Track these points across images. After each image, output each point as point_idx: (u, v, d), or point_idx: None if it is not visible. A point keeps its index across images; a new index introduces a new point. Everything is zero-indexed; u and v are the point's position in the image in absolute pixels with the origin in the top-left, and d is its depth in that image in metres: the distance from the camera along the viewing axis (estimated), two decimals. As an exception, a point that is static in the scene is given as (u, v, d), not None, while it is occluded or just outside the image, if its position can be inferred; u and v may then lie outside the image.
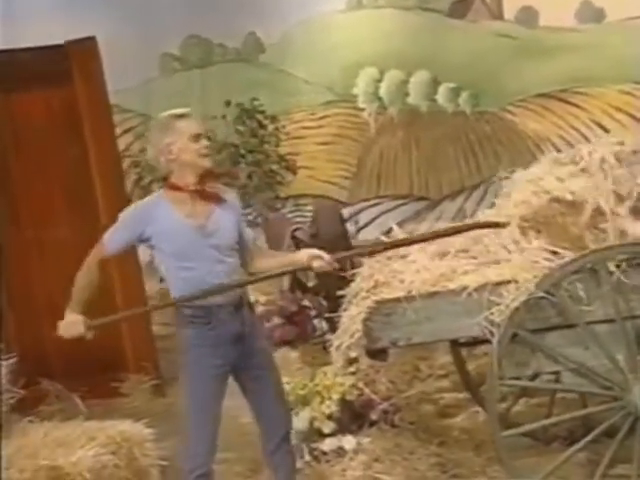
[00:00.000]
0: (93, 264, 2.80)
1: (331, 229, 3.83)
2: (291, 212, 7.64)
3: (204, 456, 2.70)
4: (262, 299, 6.59)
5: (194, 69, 8.21)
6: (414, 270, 3.07)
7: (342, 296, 3.27)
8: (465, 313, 2.77)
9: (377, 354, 2.95)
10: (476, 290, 2.76)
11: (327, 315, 3.93)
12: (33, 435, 3.37)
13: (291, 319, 5.80)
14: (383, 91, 7.82)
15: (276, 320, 5.82)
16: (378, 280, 3.12)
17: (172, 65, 8.25)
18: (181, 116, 2.71)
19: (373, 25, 7.77)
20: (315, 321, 4.45)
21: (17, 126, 4.93)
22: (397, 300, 2.85)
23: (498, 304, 2.73)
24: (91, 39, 4.83)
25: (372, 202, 7.75)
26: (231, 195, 2.79)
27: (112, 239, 2.78)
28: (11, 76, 4.78)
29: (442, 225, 6.87)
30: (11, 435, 3.40)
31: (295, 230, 4.61)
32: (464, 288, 2.78)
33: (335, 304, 3.71)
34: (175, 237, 2.64)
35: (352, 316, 2.98)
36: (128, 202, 5.36)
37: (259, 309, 6.33)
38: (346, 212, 7.81)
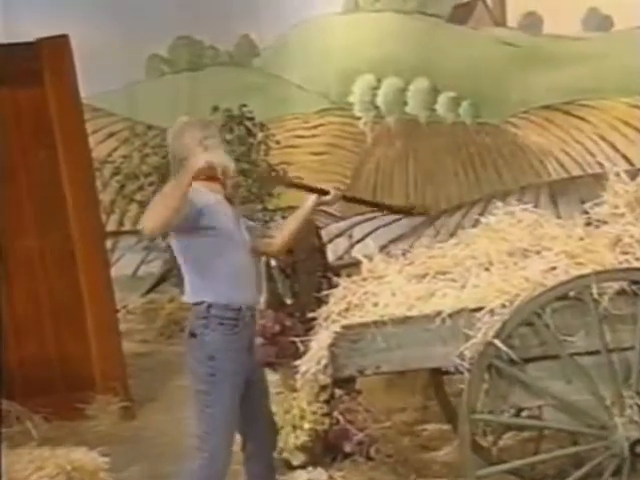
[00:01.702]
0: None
1: (306, 244, 3.74)
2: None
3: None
4: (243, 317, 6.53)
5: (183, 72, 8.21)
6: (389, 292, 3.00)
7: (314, 318, 3.20)
8: (439, 341, 2.69)
9: (344, 383, 2.86)
10: (451, 316, 2.68)
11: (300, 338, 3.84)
12: (-22, 463, 3.29)
13: (273, 339, 5.72)
14: (380, 99, 7.79)
15: (256, 340, 5.74)
16: (351, 302, 3.05)
17: (160, 67, 8.24)
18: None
19: (371, 29, 7.75)
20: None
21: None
22: (366, 325, 2.77)
23: (473, 332, 2.64)
24: (63, 37, 4.79)
25: (367, 216, 7.68)
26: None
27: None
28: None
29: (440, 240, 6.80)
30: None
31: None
32: (438, 313, 2.70)
33: (308, 326, 3.65)
34: (223, 216, 2.76)
35: (320, 341, 2.90)
36: (99, 211, 5.41)
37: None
38: (339, 226, 7.77)
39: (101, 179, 7.15)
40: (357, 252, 6.96)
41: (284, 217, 7.61)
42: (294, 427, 3.55)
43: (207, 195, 2.75)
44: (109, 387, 4.90)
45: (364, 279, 3.23)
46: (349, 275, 3.41)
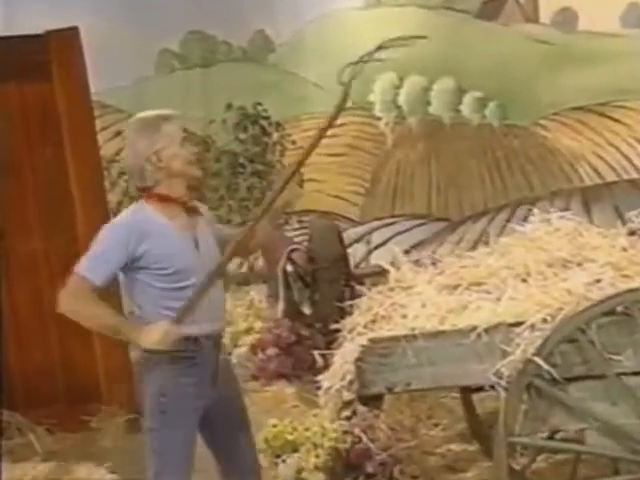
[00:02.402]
0: (89, 299, 2.53)
1: (329, 251, 3.68)
2: (294, 230, 7.50)
3: None
4: (257, 326, 6.47)
5: (195, 68, 8.15)
6: (419, 304, 2.93)
7: (338, 330, 3.14)
8: (474, 357, 2.61)
9: (371, 400, 2.79)
10: (487, 331, 2.60)
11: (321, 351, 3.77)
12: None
13: (288, 350, 5.66)
14: (402, 99, 7.69)
15: (271, 351, 5.68)
16: (377, 314, 2.99)
17: (171, 63, 8.19)
18: (169, 118, 2.63)
19: (393, 25, 7.65)
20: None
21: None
22: (395, 339, 2.70)
23: (511, 348, 2.56)
24: (73, 29, 4.76)
25: (386, 221, 7.60)
26: (204, 208, 2.74)
27: (96, 268, 2.54)
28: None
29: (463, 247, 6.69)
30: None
31: (292, 251, 4.47)
32: (473, 328, 2.63)
33: (330, 338, 3.59)
34: (178, 254, 2.56)
35: (345, 354, 2.84)
36: (108, 212, 5.36)
37: (252, 338, 6.23)
38: (357, 231, 7.70)
39: (109, 179, 7.10)
40: (376, 259, 6.89)
41: (300, 221, 7.59)
42: (314, 445, 3.48)
43: (166, 233, 2.55)
44: (115, 398, 4.84)
45: (391, 289, 3.17)
46: (374, 284, 3.35)
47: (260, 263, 7.71)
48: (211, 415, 2.66)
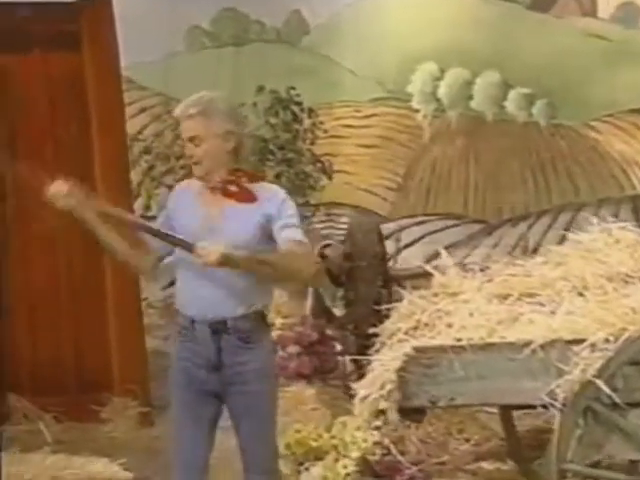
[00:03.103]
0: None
1: (368, 249, 3.60)
2: (321, 222, 7.42)
3: None
4: (278, 322, 6.40)
5: (226, 47, 8.07)
6: (466, 313, 2.85)
7: (375, 334, 3.07)
8: (526, 374, 2.53)
9: (411, 413, 2.71)
10: (543, 347, 2.51)
11: (353, 356, 3.69)
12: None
13: (310, 349, 5.58)
14: (443, 91, 7.55)
15: (292, 349, 5.60)
16: (420, 321, 2.91)
17: (201, 40, 8.11)
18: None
19: (438, 12, 7.52)
20: (340, 358, 4.21)
21: (12, 95, 4.80)
22: (441, 349, 2.62)
23: (568, 367, 2.47)
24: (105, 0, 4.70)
25: (418, 219, 7.48)
26: (268, 194, 2.77)
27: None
28: (9, 34, 4.66)
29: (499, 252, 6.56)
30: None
31: (325, 246, 4.38)
32: (527, 343, 2.54)
33: (365, 343, 3.50)
34: (186, 224, 2.76)
35: (384, 362, 2.76)
36: (130, 192, 5.31)
37: (273, 334, 6.15)
38: (386, 228, 7.58)
39: (130, 157, 7.06)
40: (405, 258, 6.79)
41: (327, 214, 7.51)
42: (339, 454, 3.41)
43: (187, 200, 2.80)
44: (128, 389, 4.79)
45: (435, 294, 3.09)
46: (415, 287, 3.27)
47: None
48: (229, 405, 2.78)
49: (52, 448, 3.80)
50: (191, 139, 2.74)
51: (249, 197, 2.73)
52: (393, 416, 2.73)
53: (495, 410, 3.75)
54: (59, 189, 2.83)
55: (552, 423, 3.63)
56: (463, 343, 2.62)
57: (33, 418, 4.66)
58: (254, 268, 2.65)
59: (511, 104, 7.40)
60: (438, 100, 7.51)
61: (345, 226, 7.43)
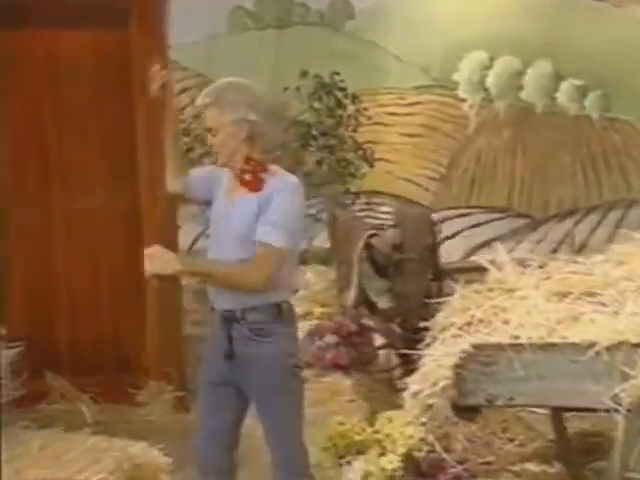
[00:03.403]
0: None
1: (419, 241, 3.55)
2: (361, 211, 7.37)
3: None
4: (316, 311, 6.37)
5: (268, 29, 8.02)
6: (523, 310, 2.79)
7: (425, 328, 3.02)
8: (589, 376, 2.47)
9: (464, 411, 2.66)
10: (608, 349, 2.45)
11: (401, 349, 3.65)
12: (27, 445, 3.21)
13: (348, 340, 5.55)
14: (491, 81, 7.46)
15: (329, 339, 5.57)
16: (474, 316, 2.85)
17: (243, 21, 8.08)
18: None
19: (488, -1, 7.42)
20: (382, 352, 4.17)
21: (56, 70, 4.80)
22: (500, 347, 2.57)
23: (634, 371, 2.41)
24: (159, -23, 4.66)
25: (460, 211, 7.41)
26: (274, 183, 2.70)
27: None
28: (57, 10, 4.65)
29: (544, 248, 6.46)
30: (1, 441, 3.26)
31: (371, 236, 4.34)
32: (592, 344, 2.48)
33: (414, 336, 3.46)
34: (213, 211, 2.85)
35: (437, 358, 2.71)
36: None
37: (310, 323, 6.13)
38: (426, 219, 7.53)
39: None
40: (446, 251, 6.71)
41: (368, 203, 7.45)
42: (383, 449, 3.38)
43: (221, 182, 2.85)
44: (164, 373, 4.79)
45: (490, 289, 3.03)
46: (469, 282, 3.21)
47: (317, 242, 7.60)
48: (249, 398, 2.82)
49: (90, 429, 3.79)
50: (209, 129, 2.76)
51: (258, 187, 2.71)
52: (446, 413, 2.68)
53: (540, 411, 3.69)
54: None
55: (599, 426, 3.58)
56: (523, 342, 2.57)
57: (71, 398, 4.69)
58: (196, 278, 2.78)
59: (563, 95, 7.28)
60: (486, 90, 7.41)
61: (384, 215, 7.41)
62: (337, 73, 7.32)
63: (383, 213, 7.42)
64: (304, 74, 7.23)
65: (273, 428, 2.78)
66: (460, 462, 3.40)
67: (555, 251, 6.17)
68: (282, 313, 2.73)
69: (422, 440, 3.36)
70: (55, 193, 4.86)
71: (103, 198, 4.85)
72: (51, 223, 4.85)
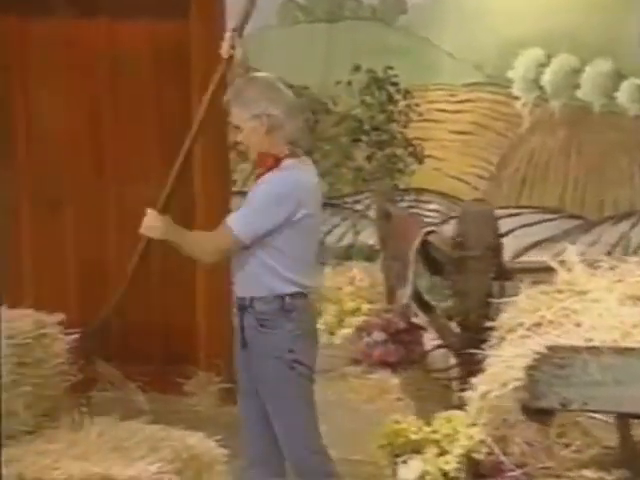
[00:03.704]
0: None
1: (483, 239, 3.49)
2: (409, 208, 7.32)
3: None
4: (364, 307, 6.35)
5: (319, 22, 8.00)
6: (595, 313, 2.73)
7: (488, 328, 2.97)
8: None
9: (537, 414, 2.61)
10: (694, 356, 2.38)
11: (459, 349, 3.60)
12: (86, 432, 3.23)
13: (396, 337, 5.52)
14: (547, 79, 7.34)
15: (377, 335, 5.54)
16: (544, 317, 2.79)
17: (294, 14, 8.07)
18: None
19: (543, -6, 7.29)
20: (438, 352, 4.13)
21: (115, 60, 4.82)
22: (576, 349, 2.51)
23: None
24: (219, -31, 4.66)
25: (510, 211, 7.32)
26: (265, 179, 2.80)
27: None
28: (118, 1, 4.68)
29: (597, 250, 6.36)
30: (61, 426, 3.28)
31: (428, 233, 4.29)
32: (675, 350, 2.41)
33: (474, 336, 3.41)
34: None
35: (507, 358, 2.66)
36: (228, 167, 5.29)
37: (358, 319, 6.11)
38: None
39: (224, 132, 7.07)
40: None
41: (416, 200, 7.39)
42: (441, 449, 3.33)
43: None
44: (213, 364, 4.80)
45: (559, 291, 2.97)
46: (535, 282, 3.15)
47: (362, 238, 7.57)
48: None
49: (132, 415, 3.79)
50: (235, 127, 2.86)
51: (262, 181, 2.82)
52: (516, 415, 2.63)
53: (599, 416, 3.62)
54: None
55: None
56: (599, 345, 2.51)
57: (120, 386, 4.71)
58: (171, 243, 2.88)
59: (623, 95, 7.14)
60: (541, 88, 7.30)
61: (432, 213, 7.35)
62: (391, 67, 7.27)
63: (430, 211, 7.37)
64: (357, 68, 7.19)
65: (273, 419, 2.86)
66: (519, 466, 3.33)
67: (609, 254, 6.07)
68: (286, 307, 2.77)
69: (482, 442, 3.30)
70: (110, 181, 4.89)
71: (157, 187, 4.86)
72: (105, 211, 4.88)
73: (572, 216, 7.20)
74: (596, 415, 3.65)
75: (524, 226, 7.15)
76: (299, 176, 2.80)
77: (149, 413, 3.94)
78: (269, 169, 2.79)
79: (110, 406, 4.21)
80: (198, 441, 3.30)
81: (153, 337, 4.94)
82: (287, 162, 2.79)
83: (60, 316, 3.53)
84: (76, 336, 3.58)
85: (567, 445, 3.91)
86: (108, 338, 4.81)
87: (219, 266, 4.99)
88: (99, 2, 4.74)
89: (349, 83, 7.21)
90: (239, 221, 2.77)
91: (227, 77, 3.13)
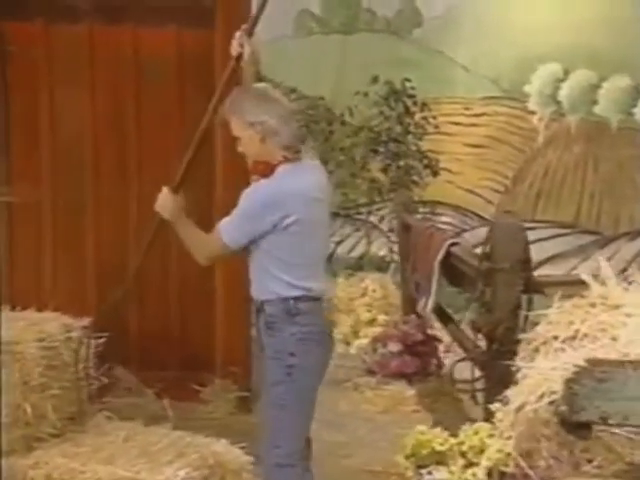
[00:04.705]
0: None
1: (512, 252, 3.49)
2: (423, 220, 7.32)
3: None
4: (380, 318, 6.33)
5: (334, 34, 8.03)
6: (632, 327, 2.71)
7: (518, 341, 2.96)
8: None
9: (576, 428, 2.59)
10: None
11: (487, 361, 3.59)
12: (112, 436, 3.22)
13: (413, 349, 5.51)
14: (564, 94, 7.36)
15: (393, 347, 5.54)
16: (579, 331, 2.78)
17: (309, 25, 8.10)
18: None
19: (563, 9, 7.32)
20: (460, 363, 4.11)
21: (141, 66, 4.84)
22: (617, 363, 2.49)
23: None
24: (246, -23, 4.66)
25: (525, 225, 7.31)
26: (256, 187, 2.85)
27: None
28: (142, 5, 4.69)
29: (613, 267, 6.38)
30: (87, 430, 3.28)
31: (452, 245, 4.29)
32: None
33: (503, 348, 3.41)
34: None
35: (544, 371, 2.64)
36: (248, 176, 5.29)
37: (374, 330, 6.10)
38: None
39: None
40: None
41: (431, 212, 7.39)
42: (468, 462, 3.32)
43: None
44: (229, 372, 4.79)
45: (592, 305, 2.96)
46: (565, 296, 3.15)
47: (374, 249, 7.56)
48: None
49: (149, 421, 3.78)
50: (235, 138, 2.88)
51: (251, 188, 2.88)
52: (552, 429, 2.62)
53: (620, 431, 3.60)
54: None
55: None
56: (636, 359, 2.49)
57: (137, 392, 4.69)
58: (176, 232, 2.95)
59: (641, 112, 7.16)
60: (558, 103, 7.31)
61: (444, 226, 7.35)
62: (408, 79, 7.29)
63: (443, 224, 7.37)
64: (375, 80, 7.20)
65: (265, 418, 2.93)
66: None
67: (625, 270, 6.06)
68: (292, 310, 2.79)
69: (508, 455, 3.29)
70: (132, 186, 4.89)
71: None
72: (127, 214, 4.87)
73: (587, 231, 7.20)
74: (617, 430, 3.65)
75: (537, 241, 7.14)
76: (289, 183, 2.80)
77: (173, 420, 3.93)
78: (262, 176, 2.83)
79: (128, 411, 4.19)
80: (223, 448, 3.30)
81: (170, 344, 4.93)
82: (280, 169, 2.81)
83: (86, 320, 3.52)
84: (101, 340, 3.56)
85: (589, 460, 3.91)
86: (126, 344, 4.82)
87: (238, 273, 5.04)
88: (126, 9, 4.76)
89: (366, 94, 7.22)
90: (227, 228, 2.83)
91: (237, 75, 3.19)
